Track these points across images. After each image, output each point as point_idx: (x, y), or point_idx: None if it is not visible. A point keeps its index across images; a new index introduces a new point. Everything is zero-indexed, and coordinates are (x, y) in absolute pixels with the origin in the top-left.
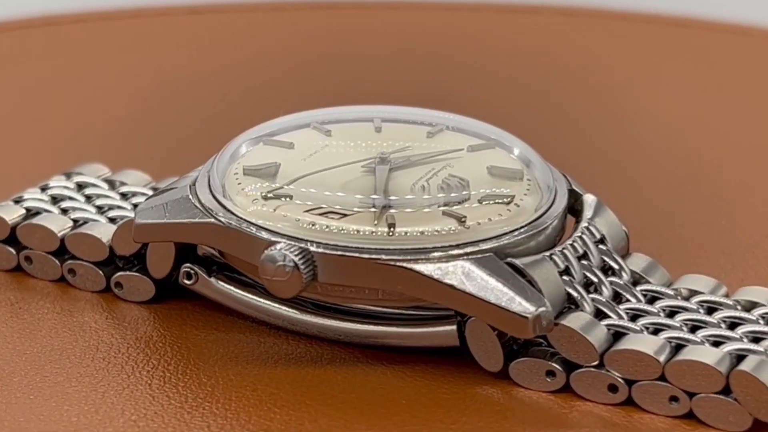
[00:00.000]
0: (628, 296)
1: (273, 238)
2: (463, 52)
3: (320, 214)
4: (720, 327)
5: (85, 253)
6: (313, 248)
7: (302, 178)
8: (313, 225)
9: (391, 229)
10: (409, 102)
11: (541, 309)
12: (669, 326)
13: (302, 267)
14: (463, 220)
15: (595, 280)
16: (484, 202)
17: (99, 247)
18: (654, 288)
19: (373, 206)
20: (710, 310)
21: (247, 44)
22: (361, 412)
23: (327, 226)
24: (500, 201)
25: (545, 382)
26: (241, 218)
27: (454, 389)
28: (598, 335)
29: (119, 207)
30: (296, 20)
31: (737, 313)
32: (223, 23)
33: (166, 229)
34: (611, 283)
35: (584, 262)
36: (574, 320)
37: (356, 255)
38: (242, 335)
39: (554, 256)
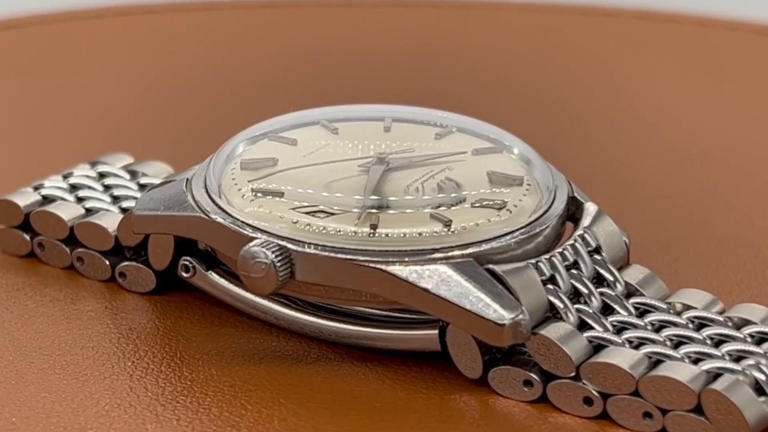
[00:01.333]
0: (618, 308)
1: (252, 234)
2: (471, 51)
3: (306, 213)
4: (705, 344)
5: (92, 242)
6: (290, 246)
7: (288, 170)
8: (295, 223)
9: (373, 230)
10: (416, 100)
11: (518, 317)
12: (653, 341)
13: (278, 265)
14: (448, 223)
15: (585, 290)
16: (476, 207)
17: (105, 237)
18: (646, 301)
19: (358, 206)
20: (700, 326)
21: (262, 41)
22: (333, 413)
23: (309, 225)
24: (492, 206)
25: (523, 391)
26: (226, 213)
27: (432, 395)
28: (576, 346)
29: (135, 198)
30: (310, 17)
31: (725, 331)
32: (237, 20)
33: (160, 221)
34: (601, 294)
35: (574, 271)
36: (553, 330)
37: (332, 254)
38: (234, 330)
39: (540, 264)
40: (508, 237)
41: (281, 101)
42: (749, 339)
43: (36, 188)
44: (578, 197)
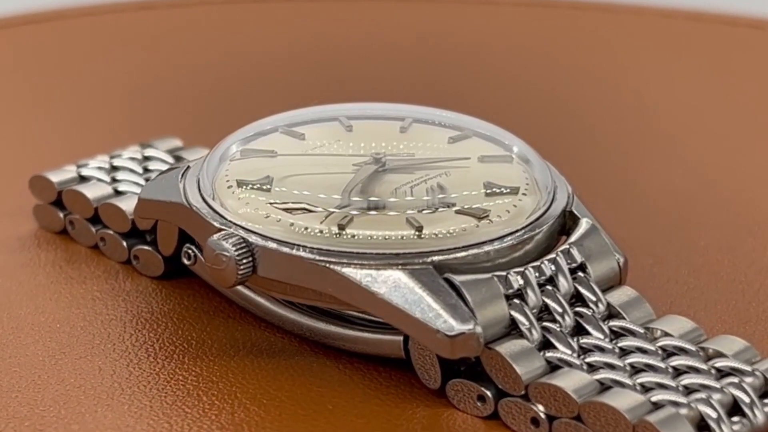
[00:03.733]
0: (592, 330)
1: (219, 225)
2: (471, 48)
3: (283, 209)
4: (667, 373)
5: (112, 223)
6: (253, 239)
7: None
8: (267, 217)
9: (341, 230)
10: (415, 99)
11: (469, 329)
12: (613, 366)
13: (238, 258)
14: (420, 229)
15: (558, 308)
16: (458, 214)
17: (123, 219)
18: (624, 325)
19: (332, 206)
20: (670, 355)
21: (272, 35)
22: (282, 411)
23: (279, 220)
24: (472, 214)
25: (476, 406)
26: (205, 201)
27: (387, 403)
28: (529, 365)
29: None
30: (309, 15)
31: (691, 362)
32: (235, 15)
33: (154, 207)
34: (577, 313)
35: (550, 287)
36: (508, 346)
37: (289, 251)
38: (224, 321)
39: (510, 277)
40: (475, 248)
41: (296, 95)
42: (713, 372)
43: (79, 166)
44: (575, 212)
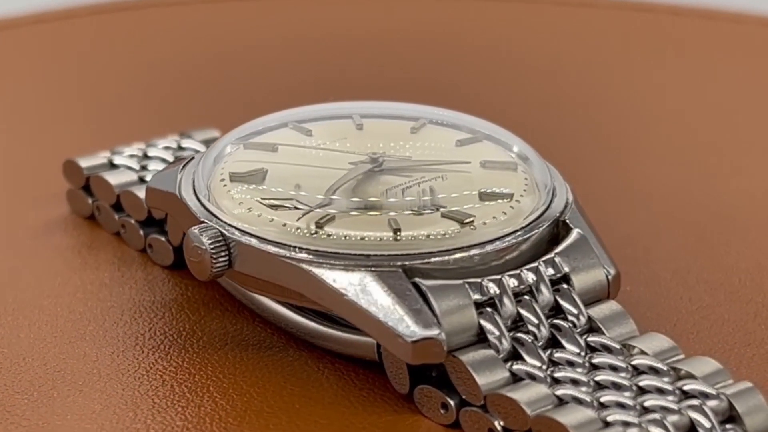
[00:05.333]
0: (566, 343)
1: (202, 218)
2: (472, 44)
3: (268, 204)
4: (631, 391)
5: (131, 211)
6: (228, 234)
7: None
8: (249, 210)
9: (319, 228)
10: (416, 97)
11: (430, 335)
12: (577, 382)
13: (213, 251)
14: (397, 231)
15: (534, 319)
16: (443, 218)
17: (141, 207)
18: (601, 340)
19: (313, 204)
20: (640, 374)
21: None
22: (248, 407)
23: (260, 215)
24: (455, 219)
25: (440, 414)
26: (195, 193)
27: (356, 405)
28: (491, 375)
29: None
30: (309, 12)
31: (658, 382)
32: (234, 12)
33: (156, 196)
34: (554, 326)
35: (528, 297)
36: (471, 355)
37: (262, 247)
38: (220, 313)
39: (484, 284)
40: (447, 254)
41: (310, 92)
42: (678, 393)
43: (113, 153)
44: (569, 222)
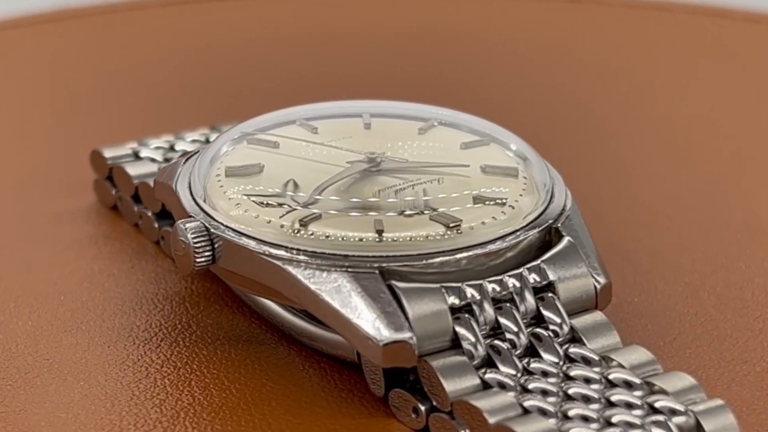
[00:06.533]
0: (545, 353)
1: (191, 212)
2: (471, 42)
3: (258, 202)
4: (598, 403)
5: (147, 202)
6: (211, 228)
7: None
8: (237, 206)
9: (304, 227)
10: (417, 95)
11: (400, 338)
12: (546, 392)
13: (195, 245)
14: (380, 231)
15: (513, 327)
16: (431, 220)
17: (155, 199)
18: (580, 351)
19: (297, 202)
20: (613, 387)
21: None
22: (224, 403)
23: (247, 211)
24: (443, 223)
25: (411, 418)
26: (190, 188)
27: (332, 406)
28: (459, 382)
29: None
30: (307, 9)
31: (628, 396)
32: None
33: (159, 189)
34: (534, 334)
35: (510, 304)
36: (442, 361)
37: (243, 243)
38: (219, 308)
39: (463, 288)
40: (427, 258)
41: (322, 89)
42: (645, 408)
43: (140, 144)
44: (561, 230)
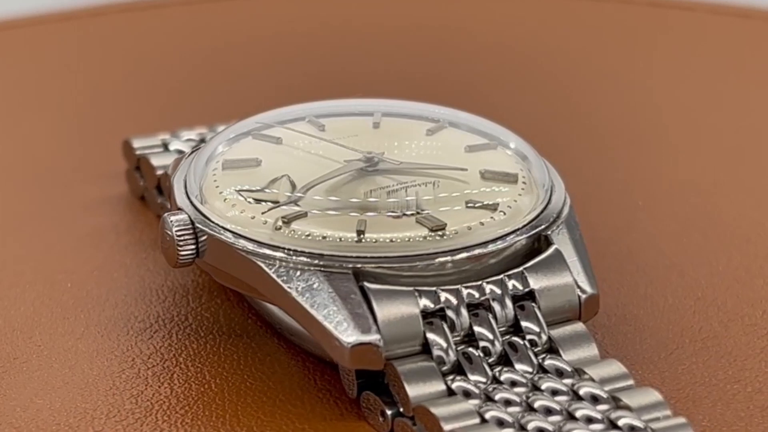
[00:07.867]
0: (517, 362)
1: (180, 204)
2: (471, 41)
3: (246, 198)
4: (559, 415)
5: (167, 194)
6: (196, 222)
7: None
8: (227, 201)
9: (286, 224)
10: (417, 94)
11: (367, 340)
12: (509, 402)
13: (178, 239)
14: (361, 232)
15: (489, 334)
16: (417, 222)
17: None
18: (554, 363)
19: (282, 198)
20: (579, 399)
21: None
22: (199, 396)
23: (235, 205)
24: (427, 225)
25: (379, 422)
26: (185, 181)
27: (306, 405)
28: (423, 387)
29: None
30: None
31: (591, 411)
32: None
33: (163, 181)
34: (510, 344)
35: (486, 311)
36: (408, 365)
37: (223, 238)
38: (220, 302)
39: (438, 293)
40: (404, 261)
41: (336, 87)
42: (606, 423)
43: (172, 136)
44: (551, 237)
